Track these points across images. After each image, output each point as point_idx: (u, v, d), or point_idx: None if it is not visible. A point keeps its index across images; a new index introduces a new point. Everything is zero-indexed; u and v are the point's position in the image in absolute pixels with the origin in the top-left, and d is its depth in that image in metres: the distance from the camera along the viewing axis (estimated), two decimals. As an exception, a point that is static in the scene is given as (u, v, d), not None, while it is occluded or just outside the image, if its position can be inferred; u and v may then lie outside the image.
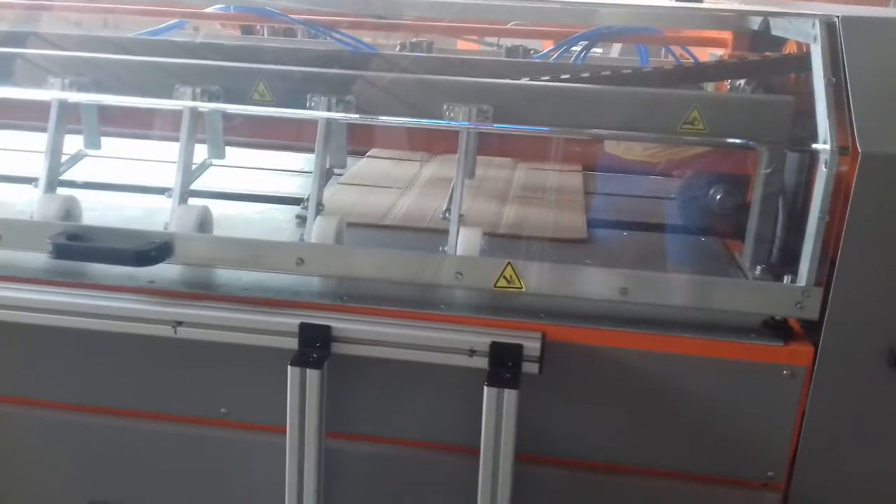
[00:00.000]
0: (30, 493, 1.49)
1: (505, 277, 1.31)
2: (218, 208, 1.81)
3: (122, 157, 2.02)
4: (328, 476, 1.34)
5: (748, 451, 1.32)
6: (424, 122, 1.46)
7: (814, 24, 1.30)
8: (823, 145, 1.20)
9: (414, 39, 2.11)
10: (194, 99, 1.50)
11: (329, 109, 1.48)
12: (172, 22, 1.98)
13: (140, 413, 1.43)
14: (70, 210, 1.52)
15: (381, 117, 1.49)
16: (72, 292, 1.35)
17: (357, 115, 1.47)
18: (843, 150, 1.19)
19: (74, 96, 1.53)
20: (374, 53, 1.98)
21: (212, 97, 1.53)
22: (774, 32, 1.53)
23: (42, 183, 1.53)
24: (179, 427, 1.43)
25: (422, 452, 1.38)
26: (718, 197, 1.71)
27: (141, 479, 1.47)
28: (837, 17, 1.28)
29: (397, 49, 2.09)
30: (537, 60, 1.98)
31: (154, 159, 1.99)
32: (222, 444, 1.42)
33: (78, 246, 1.33)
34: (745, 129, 1.44)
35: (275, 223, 1.71)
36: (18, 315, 1.35)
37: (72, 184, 1.65)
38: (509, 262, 1.31)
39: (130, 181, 1.93)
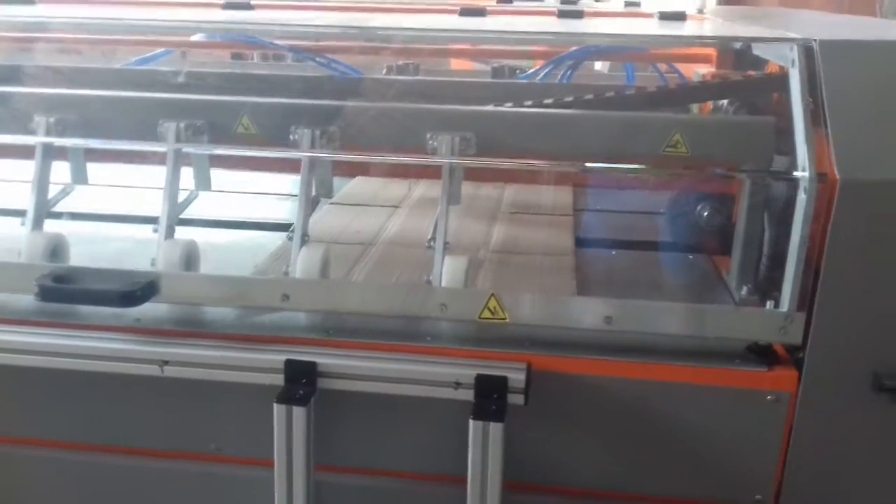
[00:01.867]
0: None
1: (489, 309, 1.32)
2: (207, 236, 1.85)
3: (110, 185, 2.03)
4: (318, 508, 1.35)
5: (736, 474, 1.33)
6: (405, 160, 1.46)
7: (791, 49, 1.30)
8: (802, 172, 1.21)
9: (400, 62, 2.11)
10: (178, 134, 1.51)
11: (312, 141, 1.48)
12: (158, 52, 1.98)
13: (132, 450, 1.44)
14: (57, 247, 1.53)
15: (362, 154, 1.49)
16: (59, 333, 1.36)
17: (338, 154, 1.48)
18: (821, 177, 1.19)
19: (60, 141, 1.54)
20: (360, 78, 1.98)
21: (196, 131, 1.54)
22: (756, 52, 1.53)
23: (29, 220, 1.54)
24: (171, 463, 1.43)
25: (411, 484, 1.38)
26: (706, 214, 1.72)
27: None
28: (815, 41, 1.28)
29: (384, 72, 2.09)
30: (522, 81, 1.98)
31: (142, 186, 2.00)
32: (214, 479, 1.43)
33: (63, 289, 1.34)
34: (726, 151, 1.45)
35: (263, 251, 1.72)
36: (7, 357, 1.35)
37: (60, 215, 1.66)
38: (492, 294, 1.31)
39: (119, 210, 1.94)
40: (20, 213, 1.54)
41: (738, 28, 1.70)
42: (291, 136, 1.49)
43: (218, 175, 1.73)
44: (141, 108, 1.57)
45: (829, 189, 1.18)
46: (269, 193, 2.12)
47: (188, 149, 1.50)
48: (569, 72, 1.92)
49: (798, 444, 1.28)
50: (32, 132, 1.54)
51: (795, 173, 1.22)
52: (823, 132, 1.20)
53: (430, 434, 1.35)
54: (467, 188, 1.72)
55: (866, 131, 1.21)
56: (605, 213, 1.97)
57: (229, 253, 1.77)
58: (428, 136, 1.47)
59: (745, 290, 1.50)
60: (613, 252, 1.78)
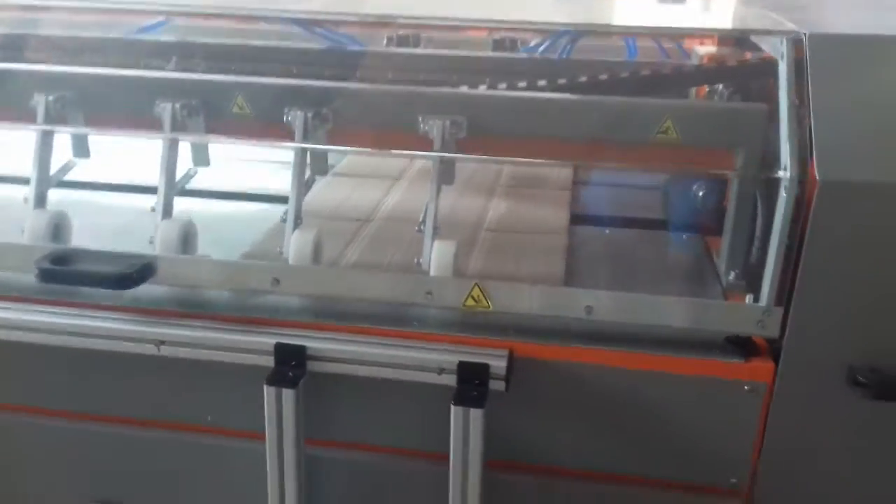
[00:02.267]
0: (32, 496, 1.57)
1: (473, 297, 1.35)
2: (207, 208, 1.89)
3: (113, 154, 2.05)
4: (308, 481, 1.41)
5: (712, 459, 1.36)
6: (390, 153, 1.48)
7: (781, 41, 1.29)
8: (783, 172, 1.21)
9: (401, 32, 2.10)
10: (174, 113, 1.54)
11: (305, 123, 1.50)
12: (155, 22, 1.98)
13: (133, 420, 1.50)
14: (59, 225, 1.57)
15: (351, 139, 1.51)
16: (59, 312, 1.41)
17: (325, 145, 1.49)
18: (801, 177, 1.19)
19: (57, 129, 1.57)
20: (360, 51, 1.98)
21: (192, 111, 1.56)
22: (754, 38, 1.52)
23: (31, 198, 1.58)
24: (169, 434, 1.49)
25: (397, 459, 1.43)
26: (700, 194, 1.72)
27: (136, 481, 1.54)
28: (805, 34, 1.27)
29: (384, 42, 2.08)
30: (522, 55, 1.97)
31: (145, 153, 2.02)
32: (209, 449, 1.49)
33: (61, 270, 1.38)
34: (718, 137, 1.45)
35: (263, 224, 1.74)
36: (9, 334, 1.41)
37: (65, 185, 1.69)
38: (476, 283, 1.34)
39: (123, 179, 1.98)
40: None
41: (739, 12, 1.68)
42: (285, 118, 1.52)
43: (217, 146, 1.76)
44: (138, 86, 1.59)
45: (809, 189, 1.19)
46: (269, 161, 2.13)
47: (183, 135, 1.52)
48: (569, 46, 1.90)
49: (773, 432, 1.31)
50: (32, 109, 1.58)
51: (778, 173, 1.22)
52: (807, 132, 1.20)
53: (415, 414, 1.39)
54: (465, 162, 1.74)
55: (850, 131, 1.21)
56: (602, 189, 1.97)
57: (229, 226, 1.80)
58: (419, 119, 1.49)
59: (732, 276, 1.51)
60: (607, 231, 1.79)
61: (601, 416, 1.36)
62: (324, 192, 1.91)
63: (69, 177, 1.71)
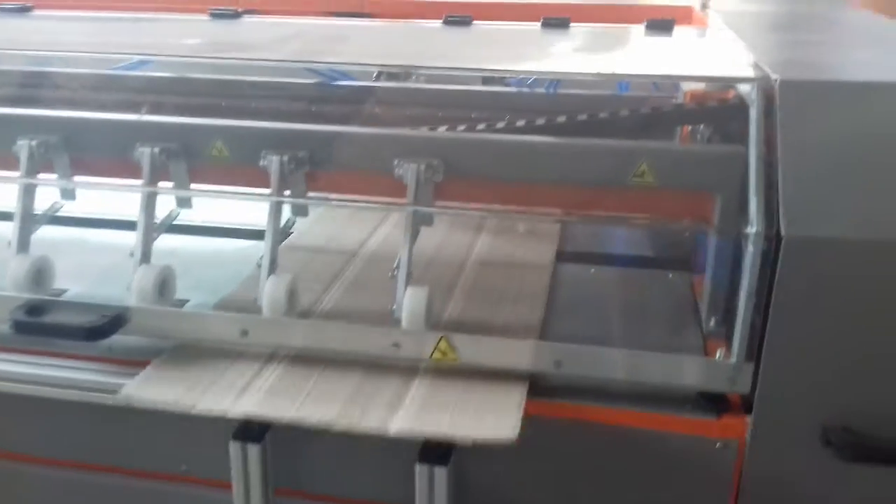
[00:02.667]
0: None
1: (440, 350, 1.33)
2: (191, 245, 1.90)
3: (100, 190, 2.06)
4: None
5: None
6: (370, 204, 1.49)
7: (752, 87, 1.26)
8: (750, 228, 1.18)
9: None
10: (153, 158, 1.54)
11: (280, 167, 1.50)
12: (136, 61, 2.00)
13: (107, 468, 1.51)
14: (41, 270, 1.58)
15: (325, 191, 1.51)
16: (29, 362, 1.44)
17: (296, 198, 1.51)
18: (767, 232, 1.16)
19: (36, 181, 1.60)
20: (348, 86, 1.98)
21: (171, 155, 1.57)
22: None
23: (14, 244, 1.59)
24: (143, 482, 1.50)
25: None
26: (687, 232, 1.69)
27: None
28: (776, 80, 1.23)
29: (374, 76, 2.08)
30: (510, 90, 1.95)
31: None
32: (184, 499, 1.49)
33: (35, 323, 1.40)
34: (695, 180, 1.41)
35: (246, 263, 1.74)
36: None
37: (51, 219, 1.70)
38: (443, 336, 1.33)
39: (110, 214, 1.99)
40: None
41: (721, 48, 1.64)
42: (261, 162, 1.52)
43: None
44: (118, 130, 1.60)
45: (776, 243, 1.15)
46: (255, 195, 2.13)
47: (162, 184, 1.54)
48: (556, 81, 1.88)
49: (746, 491, 1.28)
50: (14, 153, 1.60)
51: (746, 229, 1.19)
52: (775, 185, 1.17)
53: (382, 466, 1.38)
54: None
55: (819, 183, 1.17)
56: (589, 225, 1.94)
57: (212, 265, 1.81)
58: (395, 162, 1.48)
59: (713, 322, 1.48)
60: (593, 269, 1.76)
61: (570, 471, 1.33)
62: (309, 229, 1.91)
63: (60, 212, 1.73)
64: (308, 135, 1.56)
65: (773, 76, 1.24)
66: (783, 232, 1.13)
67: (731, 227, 1.36)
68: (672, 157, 1.42)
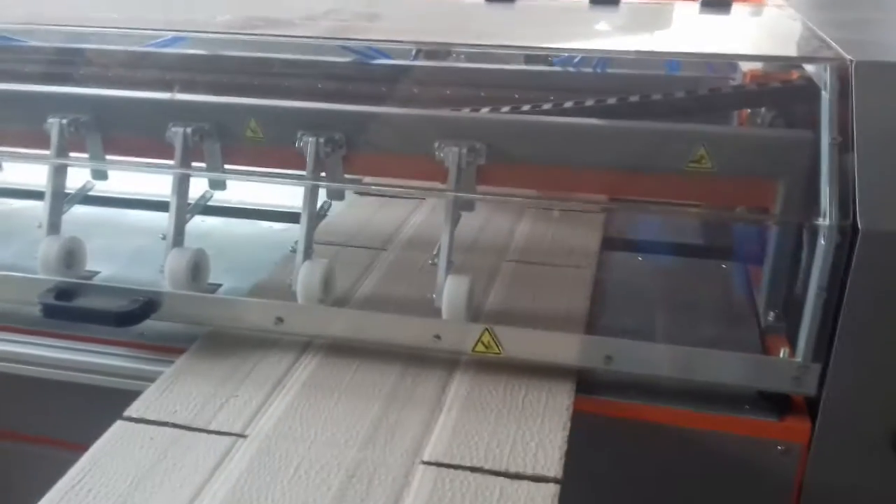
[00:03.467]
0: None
1: (483, 343, 1.27)
2: (226, 227, 1.86)
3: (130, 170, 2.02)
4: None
5: (745, 523, 1.26)
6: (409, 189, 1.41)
7: (825, 69, 1.17)
8: (822, 220, 1.09)
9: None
10: (185, 139, 1.49)
11: (317, 149, 1.44)
12: (169, 38, 1.94)
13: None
14: (72, 251, 1.54)
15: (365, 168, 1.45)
16: (60, 346, 1.40)
17: (331, 182, 1.46)
18: (842, 225, 1.08)
19: (67, 163, 1.56)
20: (386, 65, 1.92)
21: (204, 135, 1.52)
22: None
23: (44, 225, 1.55)
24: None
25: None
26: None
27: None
28: (851, 61, 1.14)
29: (413, 54, 2.00)
30: (556, 69, 1.87)
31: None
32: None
33: (64, 307, 1.36)
34: (757, 167, 1.33)
35: (282, 247, 1.69)
36: (11, 367, 1.41)
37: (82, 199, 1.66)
38: (486, 328, 1.26)
39: (143, 193, 1.95)
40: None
41: (784, 26, 1.55)
42: (297, 143, 1.46)
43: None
44: (151, 109, 1.55)
45: (851, 237, 1.07)
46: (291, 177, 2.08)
47: (195, 164, 1.49)
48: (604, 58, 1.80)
49: (808, 498, 1.20)
50: (45, 131, 1.55)
51: (817, 220, 1.10)
52: (849, 174, 1.09)
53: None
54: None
55: (899, 173, 1.09)
56: (636, 211, 1.86)
57: (247, 248, 1.77)
58: (436, 144, 1.41)
59: (772, 316, 1.40)
60: (640, 258, 1.69)
61: (624, 472, 1.27)
62: (345, 214, 1.85)
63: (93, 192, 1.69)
64: (345, 115, 1.50)
65: (848, 57, 1.15)
66: (860, 225, 1.05)
67: (795, 217, 1.28)
68: (733, 141, 1.34)
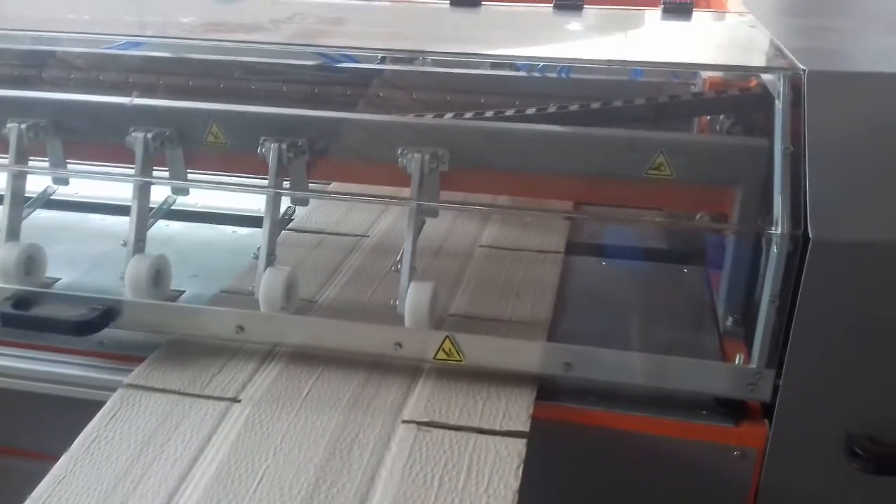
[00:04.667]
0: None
1: (444, 350, 1.27)
2: (190, 232, 1.84)
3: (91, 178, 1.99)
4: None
5: (702, 526, 1.28)
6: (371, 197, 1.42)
7: (779, 78, 1.18)
8: (774, 228, 1.11)
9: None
10: (146, 144, 1.48)
11: (279, 154, 1.44)
12: (127, 42, 1.92)
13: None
14: (32, 258, 1.52)
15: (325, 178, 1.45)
16: (19, 356, 1.38)
17: (294, 190, 1.45)
18: (793, 234, 1.09)
19: (25, 169, 1.53)
20: (350, 68, 1.91)
21: (165, 140, 1.50)
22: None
23: (2, 232, 1.53)
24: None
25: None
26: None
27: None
28: (804, 70, 1.16)
29: (378, 60, 2.00)
30: (521, 74, 1.87)
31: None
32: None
33: (22, 316, 1.35)
34: (715, 174, 1.35)
35: (245, 252, 1.68)
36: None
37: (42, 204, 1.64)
38: (447, 336, 1.26)
39: (106, 200, 1.93)
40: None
41: (742, 34, 1.57)
42: (259, 149, 1.45)
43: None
44: (110, 113, 1.54)
45: (802, 245, 1.09)
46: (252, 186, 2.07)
47: (156, 172, 1.48)
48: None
49: (765, 502, 1.22)
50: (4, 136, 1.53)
51: (770, 229, 1.12)
52: (801, 183, 1.10)
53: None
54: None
55: (848, 182, 1.10)
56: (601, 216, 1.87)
57: (210, 254, 1.76)
58: (399, 150, 1.41)
59: (730, 321, 1.41)
60: (604, 262, 1.70)
61: (580, 478, 1.28)
62: (311, 216, 1.85)
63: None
64: (308, 121, 1.49)
65: (801, 66, 1.17)
66: (811, 234, 1.07)
67: (751, 224, 1.30)
68: (691, 148, 1.35)
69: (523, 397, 1.23)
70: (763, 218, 1.24)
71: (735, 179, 1.32)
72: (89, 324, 1.32)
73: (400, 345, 1.29)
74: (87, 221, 1.91)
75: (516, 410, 1.20)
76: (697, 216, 1.58)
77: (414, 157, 1.39)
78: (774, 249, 1.12)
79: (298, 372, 1.29)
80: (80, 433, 1.18)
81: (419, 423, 1.18)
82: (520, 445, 1.14)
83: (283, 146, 1.43)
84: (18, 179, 1.54)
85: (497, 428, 1.17)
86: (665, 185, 1.36)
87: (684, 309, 1.53)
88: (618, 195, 1.46)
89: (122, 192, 1.84)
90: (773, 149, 1.21)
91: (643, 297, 1.57)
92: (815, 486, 1.20)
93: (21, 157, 1.53)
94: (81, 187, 1.92)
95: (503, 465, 1.10)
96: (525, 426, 1.17)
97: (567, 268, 1.65)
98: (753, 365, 1.17)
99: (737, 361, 1.21)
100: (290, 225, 1.73)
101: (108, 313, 1.34)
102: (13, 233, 1.53)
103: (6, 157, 1.52)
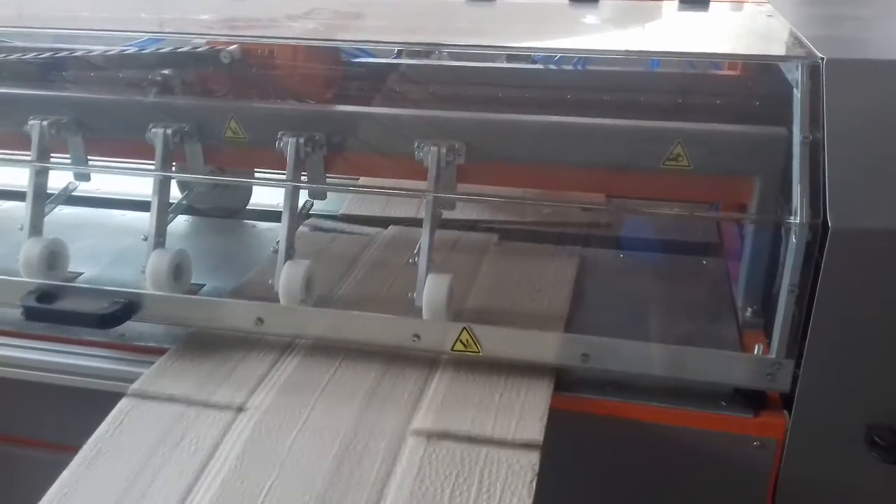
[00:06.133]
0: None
1: (461, 342, 1.28)
2: (211, 226, 1.86)
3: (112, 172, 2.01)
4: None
5: (720, 517, 1.28)
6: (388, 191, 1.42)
7: (796, 67, 1.18)
8: (793, 217, 1.10)
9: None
10: (165, 140, 1.49)
11: (297, 149, 1.45)
12: (146, 39, 1.94)
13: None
14: (55, 253, 1.54)
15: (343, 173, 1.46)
16: (43, 348, 1.41)
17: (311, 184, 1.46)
18: (812, 224, 1.09)
19: (49, 166, 1.55)
20: (366, 63, 1.92)
21: (185, 136, 1.52)
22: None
23: (26, 227, 1.55)
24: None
25: None
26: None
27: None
28: (822, 59, 1.15)
29: (394, 54, 2.00)
30: (538, 67, 1.87)
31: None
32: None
33: (46, 310, 1.37)
34: (733, 164, 1.34)
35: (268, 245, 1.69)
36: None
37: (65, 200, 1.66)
38: (465, 327, 1.27)
39: (129, 195, 1.96)
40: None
41: (760, 24, 1.56)
42: (277, 144, 1.46)
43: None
44: (130, 110, 1.56)
45: (821, 235, 1.08)
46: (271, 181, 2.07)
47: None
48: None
49: (784, 492, 1.21)
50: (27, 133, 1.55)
51: (789, 219, 1.11)
52: (820, 172, 1.09)
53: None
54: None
55: (868, 170, 1.09)
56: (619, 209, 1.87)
57: (230, 248, 1.77)
58: (415, 143, 1.42)
59: (749, 312, 1.41)
60: (622, 255, 1.70)
61: (599, 468, 1.28)
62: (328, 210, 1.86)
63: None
64: (325, 116, 1.51)
65: (819, 55, 1.16)
66: (830, 223, 1.06)
67: (770, 214, 1.29)
68: (709, 138, 1.34)
69: (539, 395, 1.23)
70: (782, 208, 1.24)
71: (754, 170, 1.32)
72: (112, 316, 1.34)
73: (418, 336, 1.29)
74: (108, 217, 1.94)
75: (531, 416, 1.18)
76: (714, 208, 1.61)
77: (430, 150, 1.40)
78: (794, 239, 1.11)
79: (317, 364, 1.31)
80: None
81: (429, 435, 1.16)
82: (533, 458, 1.11)
83: (301, 140, 1.45)
84: (41, 175, 1.57)
85: (509, 438, 1.14)
86: (683, 175, 1.36)
87: (703, 300, 1.52)
88: (636, 187, 1.46)
89: (142, 188, 1.89)
90: (792, 138, 1.21)
91: (661, 289, 1.56)
92: (835, 475, 1.20)
93: (43, 154, 1.55)
94: (102, 184, 1.95)
95: (516, 479, 1.07)
96: (539, 435, 1.14)
97: (584, 260, 1.65)
98: (773, 355, 1.17)
99: (756, 352, 1.20)
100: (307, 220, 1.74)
101: (129, 306, 1.35)
102: (36, 228, 1.56)
103: (28, 154, 1.54)
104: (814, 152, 1.13)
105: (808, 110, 1.14)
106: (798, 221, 1.10)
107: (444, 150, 1.40)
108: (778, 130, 1.29)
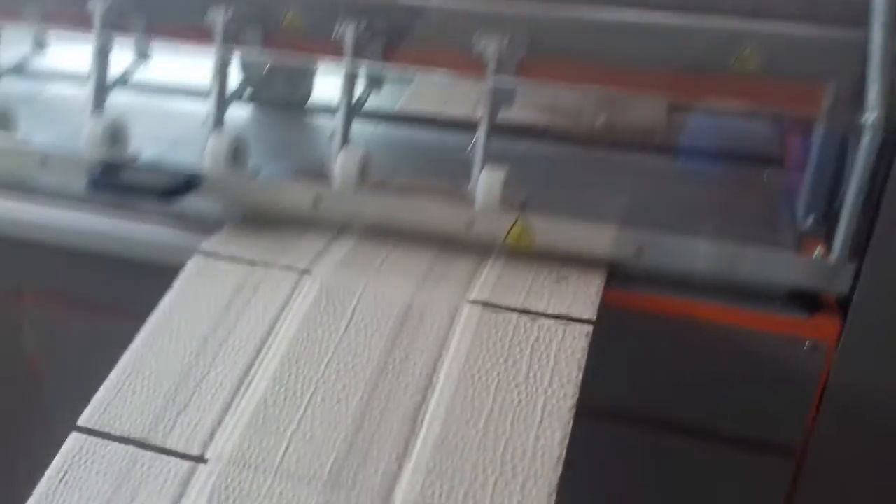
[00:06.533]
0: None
1: (515, 232, 1.28)
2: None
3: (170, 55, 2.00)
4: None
5: (767, 416, 1.28)
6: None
7: (879, -38, 1.12)
8: (868, 113, 1.07)
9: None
10: (225, 22, 1.49)
11: (356, 36, 1.44)
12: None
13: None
14: (116, 132, 1.56)
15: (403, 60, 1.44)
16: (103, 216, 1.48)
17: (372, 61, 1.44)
18: (887, 120, 1.05)
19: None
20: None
21: (243, 20, 1.51)
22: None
23: (89, 104, 1.58)
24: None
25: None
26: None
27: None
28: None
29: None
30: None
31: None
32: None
33: (111, 181, 1.40)
34: (806, 67, 1.30)
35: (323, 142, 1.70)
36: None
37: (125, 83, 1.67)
38: (519, 217, 1.27)
39: (189, 83, 1.97)
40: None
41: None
42: (335, 33, 1.45)
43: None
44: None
45: (894, 134, 1.05)
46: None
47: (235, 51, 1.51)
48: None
49: (832, 395, 1.21)
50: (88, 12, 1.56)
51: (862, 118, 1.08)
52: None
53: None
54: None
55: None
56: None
57: (289, 137, 1.78)
58: (474, 37, 1.40)
59: (810, 220, 1.38)
60: (678, 162, 1.67)
61: (645, 365, 1.29)
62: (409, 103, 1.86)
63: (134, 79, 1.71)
64: (386, 4, 1.48)
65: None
66: (905, 118, 1.03)
67: (843, 119, 1.25)
68: (781, 39, 1.30)
69: (593, 284, 1.24)
70: (854, 113, 1.20)
71: (828, 73, 1.27)
72: (175, 188, 1.37)
73: (471, 224, 1.30)
74: (168, 105, 1.95)
75: (583, 299, 1.20)
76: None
77: (491, 42, 1.38)
78: (866, 136, 1.08)
79: (372, 245, 1.34)
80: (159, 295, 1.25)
81: (485, 304, 1.20)
82: (587, 328, 1.15)
83: (361, 26, 1.43)
84: (102, 55, 1.59)
85: (564, 313, 1.17)
86: (747, 79, 1.32)
87: (762, 208, 1.49)
88: (702, 90, 1.42)
89: (199, 77, 1.90)
90: (869, 39, 1.16)
91: (720, 197, 1.54)
92: (884, 382, 1.19)
93: (105, 33, 1.56)
94: (160, 72, 1.96)
95: (570, 343, 1.12)
96: (593, 314, 1.17)
97: (641, 166, 1.63)
98: (833, 256, 1.15)
99: (816, 254, 1.19)
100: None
101: (191, 180, 1.38)
102: (99, 106, 1.59)
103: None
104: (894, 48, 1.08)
105: (884, 7, 1.09)
106: (872, 117, 1.06)
107: (505, 41, 1.38)
108: (856, 33, 1.24)
